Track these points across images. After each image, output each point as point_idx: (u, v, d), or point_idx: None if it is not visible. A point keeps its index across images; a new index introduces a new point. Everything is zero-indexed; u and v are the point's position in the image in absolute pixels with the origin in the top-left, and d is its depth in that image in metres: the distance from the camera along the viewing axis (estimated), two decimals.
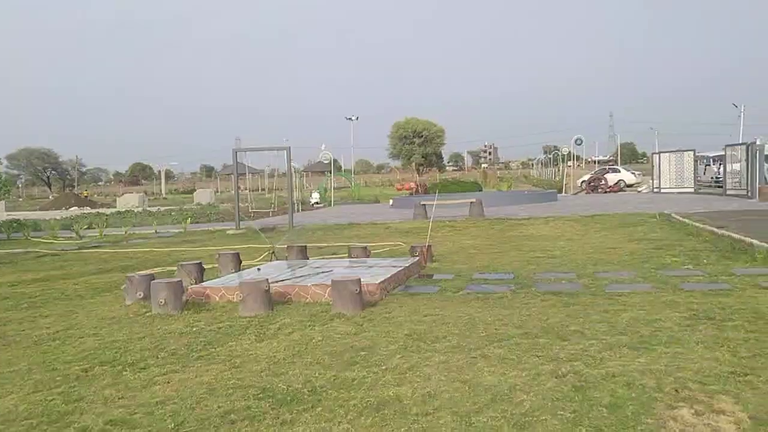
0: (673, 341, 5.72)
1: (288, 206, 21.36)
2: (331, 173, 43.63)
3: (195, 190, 58.27)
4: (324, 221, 22.48)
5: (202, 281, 9.67)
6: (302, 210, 30.06)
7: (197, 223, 24.82)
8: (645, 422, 3.97)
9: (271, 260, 11.60)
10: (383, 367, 5.37)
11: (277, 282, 8.66)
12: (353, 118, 58.07)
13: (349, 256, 11.57)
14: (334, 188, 42.37)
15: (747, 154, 24.38)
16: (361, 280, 7.87)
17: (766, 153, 26.94)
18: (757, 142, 24.89)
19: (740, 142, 31.14)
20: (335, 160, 51.72)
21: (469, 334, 6.28)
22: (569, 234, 15.00)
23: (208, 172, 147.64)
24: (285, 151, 21.54)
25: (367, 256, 11.50)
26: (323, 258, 12.23)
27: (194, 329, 7.12)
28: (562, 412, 4.18)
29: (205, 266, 10.49)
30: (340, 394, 4.78)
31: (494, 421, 4.13)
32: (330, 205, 34.55)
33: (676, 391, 4.47)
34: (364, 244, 12.38)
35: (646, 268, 9.72)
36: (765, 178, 25.25)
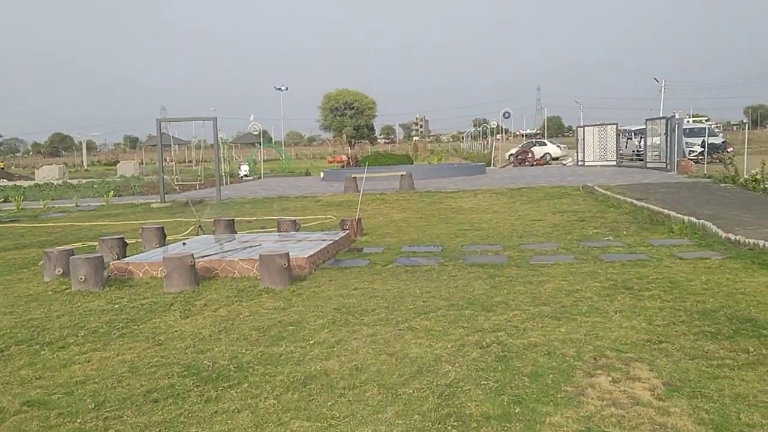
0: (592, 311, 5.92)
1: (216, 179, 20.93)
2: (260, 145, 42.93)
3: (118, 162, 56.40)
4: (253, 194, 22.16)
5: (125, 257, 9.40)
6: (231, 183, 29.52)
7: (120, 196, 24.04)
8: (564, 390, 4.10)
9: (197, 234, 11.36)
10: (311, 342, 5.36)
11: (203, 257, 8.50)
12: (283, 88, 57.16)
13: (278, 230, 11.45)
14: (264, 160, 41.75)
15: (666, 128, 25.28)
16: (290, 254, 7.81)
17: (684, 127, 28.06)
18: (676, 116, 25.86)
19: (660, 116, 32.26)
20: (265, 132, 50.92)
21: (397, 307, 6.33)
22: (496, 207, 15.27)
23: (133, 143, 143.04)
24: (212, 122, 21.00)
25: (297, 230, 11.41)
26: (252, 232, 12.07)
27: (116, 306, 6.92)
28: (485, 382, 4.28)
29: (128, 241, 10.20)
30: (266, 370, 4.74)
31: (420, 392, 4.18)
32: (260, 177, 34.04)
33: (595, 359, 4.64)
34: (294, 218, 12.27)
35: (568, 240, 10.01)
36: (683, 152, 26.30)
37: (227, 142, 44.61)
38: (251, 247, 9.35)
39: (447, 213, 14.42)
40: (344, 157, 41.63)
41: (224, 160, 32.37)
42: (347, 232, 10.72)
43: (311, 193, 21.44)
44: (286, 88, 57.42)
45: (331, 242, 9.52)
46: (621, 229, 10.84)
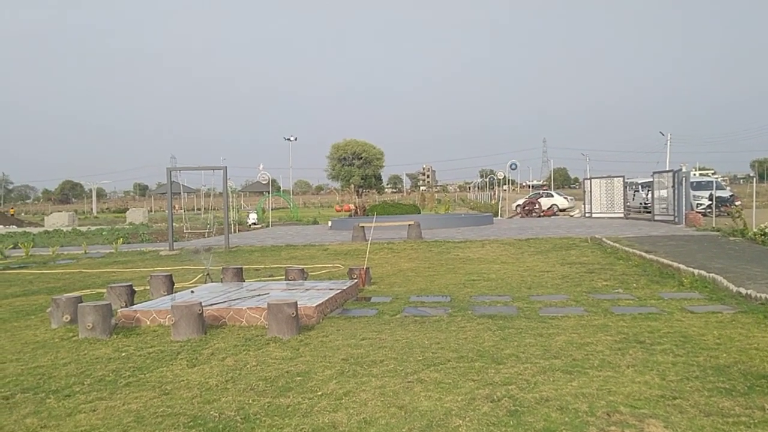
0: (604, 365, 5.84)
1: (224, 227, 21.01)
2: (269, 193, 43.20)
3: (127, 210, 56.72)
4: (261, 242, 22.20)
5: (133, 304, 9.38)
6: (239, 231, 29.61)
7: (129, 243, 24.14)
8: None
9: (205, 282, 11.35)
10: (319, 393, 5.29)
11: (211, 305, 8.47)
12: (292, 138, 57.73)
13: (286, 279, 11.42)
14: (272, 209, 41.96)
15: (673, 181, 25.34)
16: (298, 303, 7.77)
17: (691, 180, 28.11)
18: (683, 170, 25.92)
19: (667, 169, 32.36)
20: (274, 181, 51.28)
21: (406, 358, 6.26)
22: (504, 257, 15.22)
23: (142, 191, 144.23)
24: (222, 171, 21.20)
25: (305, 279, 11.39)
26: (260, 280, 12.05)
27: (123, 354, 6.87)
28: None
29: (136, 289, 10.18)
30: (274, 422, 4.67)
31: None
32: (268, 225, 34.16)
33: (608, 415, 4.55)
34: (302, 266, 12.26)
35: (578, 292, 9.94)
36: (691, 204, 26.28)
37: (236, 190, 44.93)
38: (259, 295, 9.32)
39: (455, 263, 14.38)
40: (352, 206, 41.82)
41: (233, 208, 32.54)
42: (355, 281, 10.69)
43: (319, 241, 21.46)
44: (295, 138, 57.93)
45: (339, 291, 9.48)
46: (630, 282, 10.77)
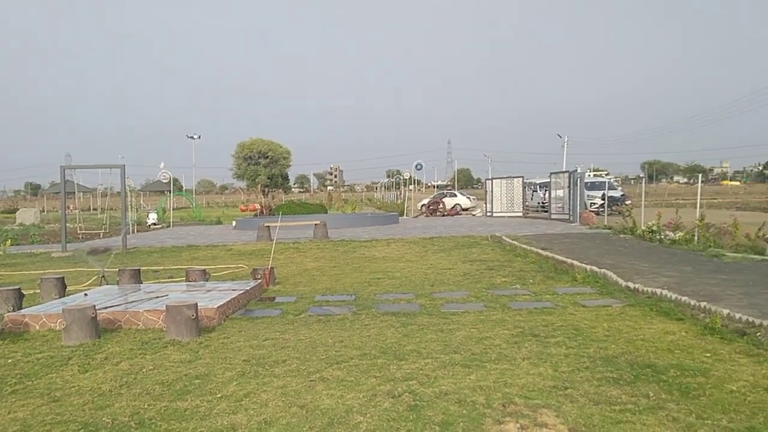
0: (501, 358, 6.02)
1: (122, 227, 20.21)
2: (170, 193, 41.92)
3: (17, 210, 53.62)
4: (161, 243, 21.51)
5: (21, 308, 8.87)
6: (138, 231, 28.57)
7: (18, 245, 22.80)
8: None
9: (100, 285, 10.89)
10: (218, 395, 5.19)
11: (105, 308, 8.14)
12: (195, 136, 56.35)
13: (187, 280, 11.12)
14: (173, 209, 40.75)
15: (569, 182, 26.42)
16: (198, 304, 7.59)
17: (586, 180, 29.40)
18: (578, 170, 27.07)
19: (563, 170, 33.71)
20: (176, 180, 49.84)
21: (309, 358, 6.24)
22: (409, 255, 15.42)
23: (34, 190, 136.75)
24: (119, 170, 20.39)
25: (206, 280, 11.13)
26: (158, 282, 11.68)
27: (9, 361, 6.49)
28: None
29: (25, 292, 9.65)
30: (170, 426, 4.54)
31: None
32: (169, 226, 33.12)
33: (504, 406, 4.70)
34: (203, 267, 11.98)
35: (478, 288, 10.20)
36: (585, 204, 27.48)
37: (135, 189, 43.36)
38: (157, 297, 9.03)
39: (360, 262, 14.44)
40: (257, 206, 41.18)
41: (132, 208, 31.38)
42: (259, 281, 10.55)
43: (222, 242, 21.03)
44: (198, 137, 56.64)
45: (241, 292, 9.33)
46: (528, 278, 11.15)
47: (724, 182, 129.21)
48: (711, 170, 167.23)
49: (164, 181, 42.27)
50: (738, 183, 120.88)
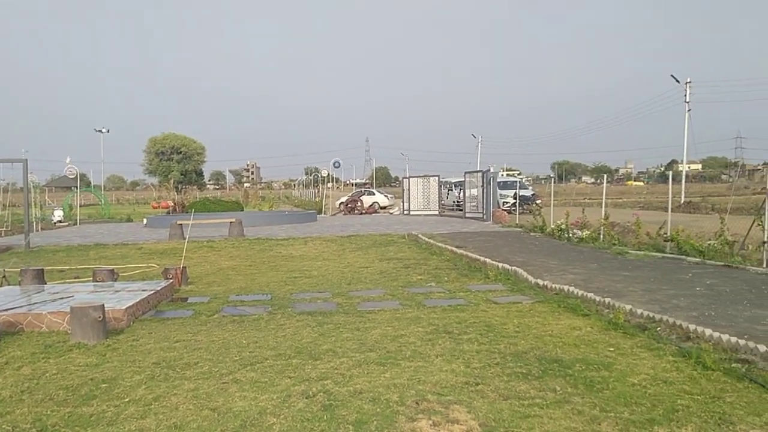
0: (416, 355, 6.10)
1: (24, 225, 19.24)
2: (77, 189, 40.20)
3: None
4: (67, 241, 20.60)
5: None
6: (42, 229, 27.26)
7: None
8: None
9: (1, 285, 10.33)
10: (126, 400, 5.02)
11: (6, 310, 7.73)
12: (104, 130, 54.27)
13: (94, 280, 10.70)
14: (81, 206, 39.11)
15: (483, 181, 27.04)
16: (106, 305, 7.33)
17: (498, 180, 30.14)
18: (491, 170, 27.73)
19: (477, 169, 34.45)
20: (83, 175, 47.88)
21: (222, 359, 6.12)
22: (326, 254, 15.40)
23: None
24: (22, 164, 19.39)
25: (115, 280, 10.75)
26: (64, 282, 11.18)
27: None
28: None
29: None
30: None
31: None
32: (76, 223, 31.78)
33: (417, 403, 4.76)
34: (112, 267, 11.57)
35: (394, 286, 10.30)
36: (498, 203, 28.19)
37: (39, 185, 41.38)
38: (62, 298, 8.65)
39: (277, 260, 14.30)
40: (170, 203, 40.11)
41: (35, 204, 29.89)
42: (170, 281, 10.27)
43: (132, 240, 20.36)
44: (107, 131, 54.56)
45: (152, 292, 9.05)
46: (443, 276, 11.34)
47: (629, 183, 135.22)
48: (616, 171, 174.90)
49: (71, 176, 40.49)
50: (642, 183, 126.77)
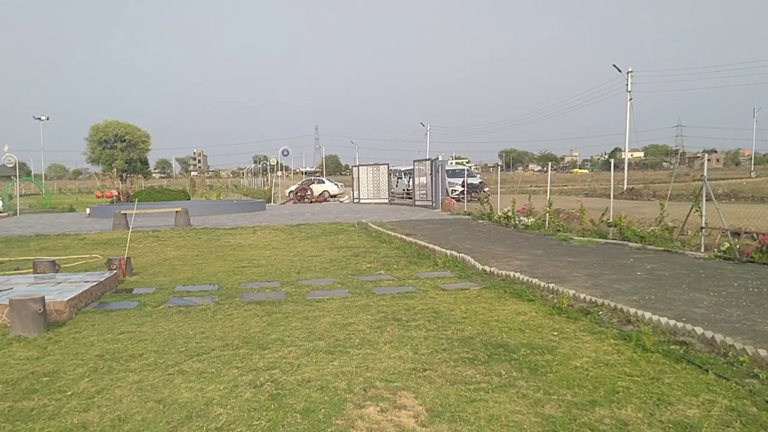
0: (364, 343, 6.13)
1: None
2: (16, 178, 38.90)
3: None
4: (6, 232, 19.94)
5: None
6: None
7: None
8: (335, 424, 4.17)
9: None
10: (68, 393, 4.91)
11: None
12: (43, 117, 52.60)
13: (35, 272, 10.40)
14: (20, 195, 37.88)
15: (431, 169, 27.22)
16: (47, 297, 7.14)
17: (447, 168, 30.38)
18: (440, 158, 27.94)
19: (426, 158, 34.65)
20: (23, 164, 46.35)
21: (167, 350, 6.04)
22: (275, 243, 15.29)
23: None
24: None
25: (56, 271, 10.46)
26: (2, 274, 10.82)
27: None
28: (257, 423, 4.22)
29: None
30: (15, 427, 4.25)
31: None
32: (15, 214, 30.78)
33: (365, 390, 4.79)
34: (53, 258, 11.25)
35: (344, 275, 10.30)
36: (447, 191, 28.43)
37: None
38: (1, 291, 8.38)
39: (225, 250, 14.13)
40: (114, 192, 39.17)
41: None
42: (114, 272, 10.05)
43: (75, 230, 19.83)
44: (47, 118, 52.91)
45: (95, 283, 8.85)
46: (392, 263, 11.39)
47: (574, 170, 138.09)
48: (562, 159, 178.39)
49: (9, 165, 39.13)
50: (587, 171, 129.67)
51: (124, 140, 79.16)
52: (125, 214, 19.64)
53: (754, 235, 11.27)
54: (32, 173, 55.62)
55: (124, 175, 71.65)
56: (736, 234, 11.57)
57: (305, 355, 5.75)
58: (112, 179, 48.54)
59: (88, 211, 28.30)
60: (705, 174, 12.51)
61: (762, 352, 5.19)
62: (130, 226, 14.70)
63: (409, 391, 4.75)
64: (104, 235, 17.98)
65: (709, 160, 17.91)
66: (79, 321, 7.41)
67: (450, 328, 6.63)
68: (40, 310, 6.79)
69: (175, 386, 5.00)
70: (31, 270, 10.70)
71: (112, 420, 4.34)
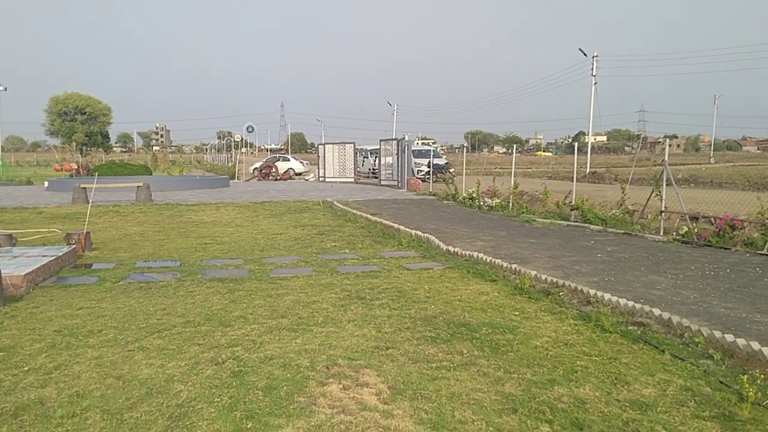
0: (328, 321, 6.13)
1: None
2: None
3: None
4: None
5: None
6: None
7: None
8: (297, 401, 4.17)
9: None
10: (25, 369, 4.82)
11: None
12: (0, 87, 51.04)
13: None
14: None
15: (397, 149, 27.21)
16: (3, 272, 6.99)
17: (413, 148, 30.38)
18: (406, 138, 27.93)
19: (393, 137, 34.60)
20: None
21: (127, 327, 5.96)
22: (239, 220, 15.16)
23: None
24: None
25: (13, 245, 10.22)
26: None
27: None
28: (219, 399, 4.20)
29: None
30: None
31: (148, 415, 3.97)
32: None
33: (327, 368, 4.79)
34: (10, 232, 10.98)
35: (308, 253, 10.27)
36: (413, 171, 28.46)
37: None
38: None
39: (187, 226, 13.96)
40: (74, 166, 38.35)
41: None
42: (73, 246, 9.86)
43: (33, 204, 19.38)
44: (4, 88, 51.35)
45: (53, 258, 8.67)
46: (357, 243, 11.39)
47: (539, 153, 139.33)
48: (527, 141, 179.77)
49: None
50: (551, 154, 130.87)
51: (85, 113, 77.50)
52: (85, 188, 19.24)
53: (712, 219, 11.52)
54: None
55: (84, 148, 70.20)
56: (695, 218, 11.82)
57: (268, 333, 5.72)
58: (72, 152, 47.59)
59: (46, 184, 27.68)
60: (666, 159, 12.73)
61: (717, 334, 5.33)
62: (90, 201, 14.42)
63: (371, 369, 4.77)
64: (63, 210, 17.61)
65: (670, 145, 18.20)
66: (36, 296, 7.27)
67: (413, 308, 6.66)
68: None
69: (135, 363, 4.94)
70: None
71: (70, 396, 4.27)
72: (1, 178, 36.22)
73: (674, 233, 11.52)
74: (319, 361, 4.95)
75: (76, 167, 36.56)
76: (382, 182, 29.05)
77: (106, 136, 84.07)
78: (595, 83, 43.82)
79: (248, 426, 3.81)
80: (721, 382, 4.55)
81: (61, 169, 44.03)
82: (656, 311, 6.11)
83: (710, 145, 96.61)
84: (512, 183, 17.70)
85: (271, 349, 5.26)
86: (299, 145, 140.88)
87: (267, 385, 4.45)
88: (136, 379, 4.57)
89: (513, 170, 18.90)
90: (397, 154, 27.16)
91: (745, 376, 4.32)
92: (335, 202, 19.03)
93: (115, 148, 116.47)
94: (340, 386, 4.43)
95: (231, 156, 57.40)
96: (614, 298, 6.66)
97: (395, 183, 27.31)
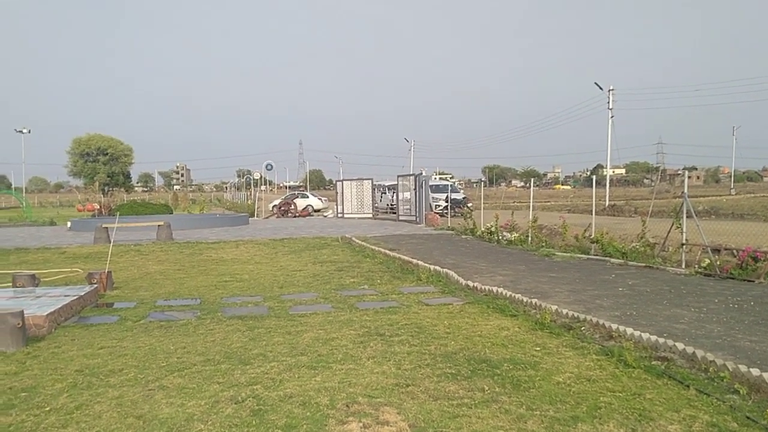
0: (347, 358, 6.10)
1: None
2: None
3: None
4: None
5: None
6: None
7: None
8: None
9: None
10: (47, 409, 4.84)
11: None
12: (25, 130, 52.17)
13: (14, 286, 10.27)
14: (0, 208, 37.43)
15: (415, 184, 27.30)
16: (26, 312, 7.05)
17: (431, 183, 30.47)
18: (423, 174, 28.02)
19: (410, 173, 34.73)
20: (3, 177, 45.85)
21: (148, 365, 5.97)
22: (259, 257, 15.22)
23: None
24: None
25: (36, 285, 10.34)
26: None
27: None
28: None
29: None
30: None
31: None
32: None
33: (347, 406, 4.76)
34: (33, 272, 11.11)
35: (327, 289, 10.27)
36: (430, 206, 28.51)
37: None
38: None
39: (207, 264, 14.05)
40: (96, 206, 38.86)
41: None
42: (95, 286, 9.95)
43: (56, 244, 19.63)
44: (29, 131, 52.50)
45: (75, 298, 8.75)
46: (375, 278, 11.38)
47: (557, 186, 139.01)
48: (545, 175, 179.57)
49: None
50: (569, 187, 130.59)
51: (107, 153, 78.76)
52: (107, 227, 19.47)
53: (734, 251, 11.39)
54: (13, 186, 55.00)
55: (105, 188, 71.19)
56: (716, 250, 11.69)
57: (287, 371, 5.71)
58: (94, 193, 48.19)
59: (69, 224, 28.04)
60: (686, 191, 12.65)
61: (742, 368, 5.23)
62: (112, 240, 14.58)
63: (392, 407, 4.73)
64: (85, 249, 17.81)
65: (689, 177, 18.11)
66: (58, 336, 7.32)
67: (433, 344, 6.62)
68: (18, 324, 6.70)
69: (156, 402, 4.94)
70: (11, 284, 10.57)
71: None
72: (25, 218, 36.76)
73: (696, 266, 11.39)
74: (338, 398, 4.92)
75: (98, 207, 37.01)
76: (401, 217, 29.09)
77: (127, 176, 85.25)
78: (612, 116, 43.84)
79: None
80: (747, 417, 4.46)
81: (84, 210, 44.63)
82: (680, 345, 6.02)
83: (730, 176, 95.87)
84: (531, 217, 17.65)
85: (291, 387, 5.24)
86: (317, 182, 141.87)
87: (287, 423, 4.42)
88: (156, 419, 4.57)
89: (531, 204, 18.86)
90: (415, 189, 27.24)
91: None
92: (354, 238, 19.07)
93: (136, 188, 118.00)
94: (360, 424, 4.40)
95: (250, 194, 57.89)
96: (637, 333, 6.57)
97: (413, 218, 27.34)
